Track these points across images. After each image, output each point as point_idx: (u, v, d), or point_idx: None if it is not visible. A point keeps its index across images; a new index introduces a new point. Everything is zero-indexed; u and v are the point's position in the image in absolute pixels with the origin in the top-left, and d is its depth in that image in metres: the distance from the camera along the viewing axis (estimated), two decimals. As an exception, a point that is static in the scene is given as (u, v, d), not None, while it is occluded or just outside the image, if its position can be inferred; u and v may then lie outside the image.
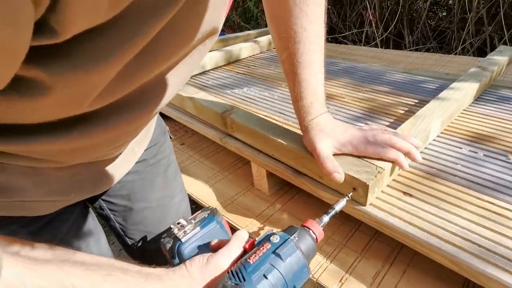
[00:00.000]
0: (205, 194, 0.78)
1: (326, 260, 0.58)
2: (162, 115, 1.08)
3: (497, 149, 0.65)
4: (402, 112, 0.81)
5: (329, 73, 1.11)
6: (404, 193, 0.56)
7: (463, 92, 0.78)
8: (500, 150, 0.64)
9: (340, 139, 0.56)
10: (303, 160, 0.61)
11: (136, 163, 0.56)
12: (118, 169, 0.50)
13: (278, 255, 0.37)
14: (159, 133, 0.62)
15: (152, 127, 0.57)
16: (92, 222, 0.57)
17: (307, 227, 0.43)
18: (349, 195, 0.52)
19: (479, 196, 0.54)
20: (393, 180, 0.59)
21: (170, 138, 0.68)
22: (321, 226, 0.45)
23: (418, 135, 0.63)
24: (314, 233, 0.43)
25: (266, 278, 0.36)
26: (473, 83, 0.81)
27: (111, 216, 0.60)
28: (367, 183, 0.51)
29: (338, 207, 0.49)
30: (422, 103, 0.84)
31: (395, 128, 0.66)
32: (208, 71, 1.22)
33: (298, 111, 0.59)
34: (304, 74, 0.55)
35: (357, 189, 0.53)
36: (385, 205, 0.54)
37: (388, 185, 0.58)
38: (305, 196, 0.73)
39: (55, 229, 0.48)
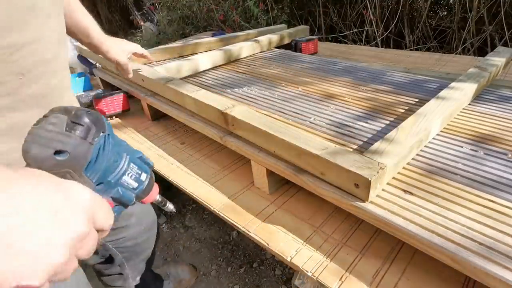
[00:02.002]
0: (205, 193, 0.78)
1: (326, 258, 0.58)
2: (163, 114, 1.08)
3: (497, 147, 0.65)
4: (403, 111, 0.81)
5: (329, 72, 1.11)
6: (405, 191, 0.56)
7: (463, 91, 0.78)
8: (500, 149, 0.64)
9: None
10: (304, 157, 0.61)
11: None
12: None
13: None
14: None
15: None
16: None
17: None
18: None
19: (480, 194, 0.54)
20: (394, 178, 0.59)
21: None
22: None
23: (419, 133, 0.63)
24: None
25: None
26: (471, 83, 0.81)
27: None
28: (369, 179, 0.51)
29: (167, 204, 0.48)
30: (422, 102, 0.84)
31: (395, 126, 0.66)
32: (208, 70, 1.22)
33: (96, 46, 0.81)
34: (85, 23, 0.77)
35: (359, 185, 0.53)
36: (385, 203, 0.54)
37: (388, 183, 0.58)
38: (305, 194, 0.73)
39: None
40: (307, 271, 0.56)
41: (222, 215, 0.71)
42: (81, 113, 0.30)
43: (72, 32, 0.76)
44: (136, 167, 0.36)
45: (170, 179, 0.84)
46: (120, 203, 0.35)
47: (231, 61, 1.29)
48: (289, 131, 0.66)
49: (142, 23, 4.04)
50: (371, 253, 0.59)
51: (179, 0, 3.17)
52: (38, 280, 0.24)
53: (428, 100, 0.76)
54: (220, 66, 1.26)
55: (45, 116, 0.30)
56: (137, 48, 0.99)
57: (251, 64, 1.25)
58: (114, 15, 4.49)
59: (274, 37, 1.42)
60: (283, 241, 0.63)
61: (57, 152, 0.28)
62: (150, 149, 0.98)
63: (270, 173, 0.72)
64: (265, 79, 1.09)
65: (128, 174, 0.35)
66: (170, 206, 0.50)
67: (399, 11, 2.05)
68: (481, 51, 1.92)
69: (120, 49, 0.88)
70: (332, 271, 0.56)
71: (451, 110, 0.72)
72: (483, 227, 0.48)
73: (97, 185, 0.32)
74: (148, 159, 0.39)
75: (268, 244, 0.62)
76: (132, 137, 1.05)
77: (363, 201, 0.55)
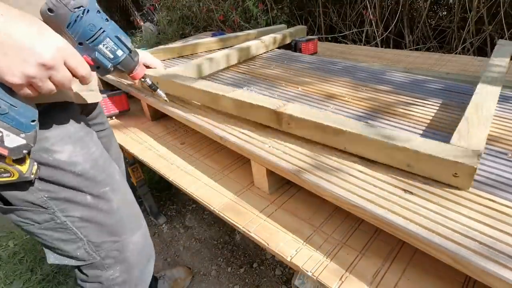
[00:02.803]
0: (206, 192, 0.78)
1: (327, 258, 0.58)
2: (163, 114, 1.08)
3: (497, 147, 0.65)
4: (403, 111, 0.81)
5: (329, 72, 1.11)
6: (405, 190, 0.56)
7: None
8: (500, 148, 0.64)
9: None
10: (387, 150, 0.60)
11: (106, 129, 0.82)
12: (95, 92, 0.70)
13: None
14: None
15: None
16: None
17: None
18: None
19: (480, 193, 0.54)
20: (394, 178, 0.59)
21: None
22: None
23: (486, 124, 0.64)
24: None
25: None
26: (494, 86, 0.81)
27: None
28: (475, 167, 0.51)
29: (155, 88, 0.70)
30: (422, 102, 0.84)
31: (396, 126, 0.66)
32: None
33: None
34: None
35: (459, 174, 0.53)
36: (385, 202, 0.54)
37: (388, 183, 0.58)
38: (305, 194, 0.73)
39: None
40: (307, 271, 0.56)
41: (222, 215, 0.71)
42: None
43: None
44: (113, 43, 0.51)
45: (170, 179, 0.84)
46: (98, 65, 0.52)
47: (247, 60, 1.27)
48: (357, 126, 0.64)
49: (142, 23, 4.05)
50: (371, 253, 0.59)
51: (179, 1, 3.17)
52: (16, 78, 0.41)
53: (428, 100, 0.76)
54: (234, 65, 1.26)
55: None
56: (146, 59, 0.98)
57: (251, 64, 1.25)
58: (114, 15, 4.49)
59: (278, 36, 1.41)
60: (283, 241, 0.63)
61: (50, 10, 0.45)
62: (150, 149, 0.98)
63: (270, 173, 0.72)
64: (265, 79, 1.09)
65: (103, 45, 0.50)
66: (160, 92, 0.71)
67: (399, 11, 2.05)
68: (481, 51, 1.92)
69: None
70: (332, 271, 0.56)
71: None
72: (482, 227, 0.48)
73: (79, 44, 0.49)
74: (129, 44, 0.54)
75: (268, 244, 0.62)
76: (132, 137, 1.05)
77: (461, 189, 0.55)
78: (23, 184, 0.54)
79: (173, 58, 1.38)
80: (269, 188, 0.75)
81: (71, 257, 0.65)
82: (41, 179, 0.56)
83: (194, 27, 3.19)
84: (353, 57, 1.48)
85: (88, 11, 0.47)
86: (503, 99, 0.83)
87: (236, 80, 1.10)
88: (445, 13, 2.16)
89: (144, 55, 0.98)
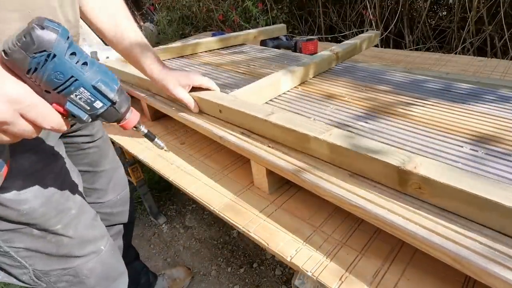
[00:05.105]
0: (205, 193, 0.78)
1: (326, 258, 0.58)
2: (163, 114, 1.08)
3: (497, 147, 0.65)
4: (403, 111, 0.81)
5: (329, 72, 1.11)
6: (405, 191, 0.56)
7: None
8: (500, 149, 0.64)
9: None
10: None
11: (97, 140, 0.81)
12: None
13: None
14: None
15: None
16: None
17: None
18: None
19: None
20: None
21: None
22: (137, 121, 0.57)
23: None
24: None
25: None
26: None
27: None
28: None
29: (153, 137, 0.61)
30: (422, 102, 0.84)
31: (396, 126, 0.66)
32: (207, 69, 1.22)
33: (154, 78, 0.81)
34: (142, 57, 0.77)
35: None
36: (385, 202, 0.54)
37: (387, 183, 0.58)
38: (305, 194, 0.73)
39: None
40: (307, 271, 0.56)
41: (222, 215, 0.71)
42: (30, 29, 0.37)
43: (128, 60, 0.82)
44: (89, 94, 0.43)
45: (170, 179, 0.84)
46: (72, 116, 0.44)
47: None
48: None
49: (142, 23, 4.04)
50: (371, 253, 0.59)
51: (178, 1, 3.17)
52: None
53: (428, 100, 0.76)
54: (220, 65, 1.26)
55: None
56: (195, 81, 0.84)
57: (251, 64, 1.25)
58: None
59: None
60: (283, 241, 0.63)
61: (4, 53, 0.37)
62: (150, 149, 0.98)
63: (270, 173, 0.72)
64: (265, 79, 1.08)
65: (76, 95, 0.42)
66: (158, 142, 0.62)
67: (398, 11, 2.06)
68: (481, 51, 1.92)
69: (176, 82, 0.81)
70: (332, 271, 0.56)
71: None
72: (483, 226, 0.48)
73: (46, 91, 0.41)
74: (112, 95, 0.45)
75: (268, 244, 0.62)
76: (132, 137, 1.05)
77: None
78: None
79: (173, 58, 1.38)
80: (269, 188, 0.75)
81: (18, 280, 0.63)
82: None
83: (194, 27, 3.19)
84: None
85: (54, 56, 0.39)
86: (503, 99, 0.83)
87: (236, 80, 1.10)
88: (445, 13, 2.16)
89: (196, 78, 0.84)
